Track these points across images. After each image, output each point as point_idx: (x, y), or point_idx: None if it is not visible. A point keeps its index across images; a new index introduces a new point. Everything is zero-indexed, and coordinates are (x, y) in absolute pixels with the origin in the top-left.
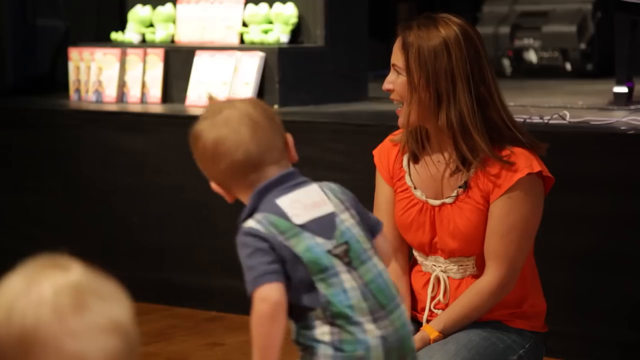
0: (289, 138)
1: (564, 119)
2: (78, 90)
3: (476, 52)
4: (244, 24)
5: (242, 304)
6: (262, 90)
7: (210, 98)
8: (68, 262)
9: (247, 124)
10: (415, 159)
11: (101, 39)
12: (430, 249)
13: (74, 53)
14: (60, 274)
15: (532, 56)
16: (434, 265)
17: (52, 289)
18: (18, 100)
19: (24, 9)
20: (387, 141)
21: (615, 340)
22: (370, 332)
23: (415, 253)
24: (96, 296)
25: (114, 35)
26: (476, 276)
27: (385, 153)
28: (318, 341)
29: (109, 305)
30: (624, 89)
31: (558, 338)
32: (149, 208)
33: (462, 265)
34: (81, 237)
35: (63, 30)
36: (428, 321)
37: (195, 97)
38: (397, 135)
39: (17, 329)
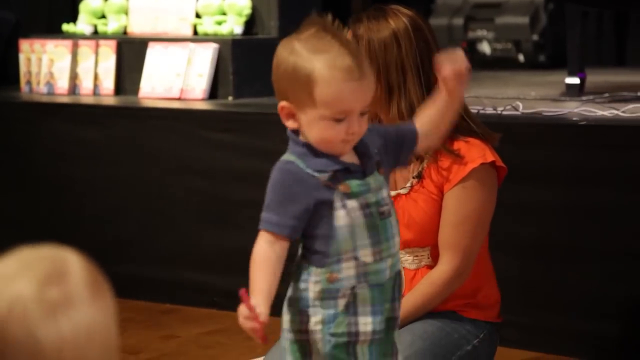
0: None
1: (516, 110)
2: (29, 83)
3: (426, 43)
4: (197, 15)
5: (197, 297)
6: (216, 82)
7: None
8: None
9: None
10: None
11: (52, 31)
12: None
13: (25, 45)
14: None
15: (485, 48)
16: None
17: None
18: None
19: None
20: None
21: (568, 329)
22: None
23: None
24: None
25: (66, 27)
26: (431, 267)
27: None
28: None
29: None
30: (576, 80)
31: (512, 328)
32: (103, 200)
33: (417, 256)
34: (35, 230)
35: (13, 21)
36: None
37: (149, 89)
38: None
39: None
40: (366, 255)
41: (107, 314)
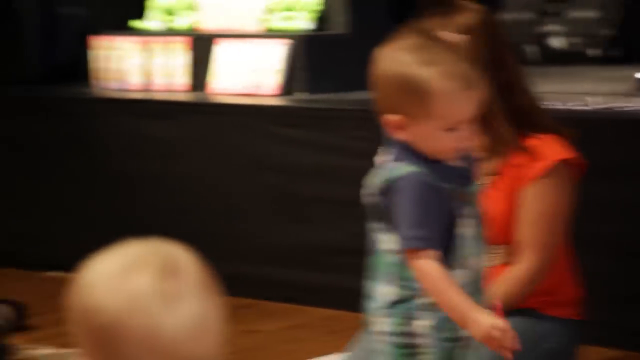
0: None
1: (587, 105)
2: (100, 79)
3: (496, 39)
4: (268, 11)
5: (275, 291)
6: (288, 78)
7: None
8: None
9: None
10: None
11: (122, 28)
12: None
13: (95, 41)
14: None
15: (556, 42)
16: None
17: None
18: (42, 89)
19: None
20: None
21: None
22: None
23: None
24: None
25: (135, 23)
26: (506, 264)
27: None
28: None
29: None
30: None
31: (594, 325)
32: (175, 196)
33: (492, 254)
34: (106, 225)
35: (85, 18)
36: None
37: (220, 85)
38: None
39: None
40: (474, 261)
41: (216, 307)
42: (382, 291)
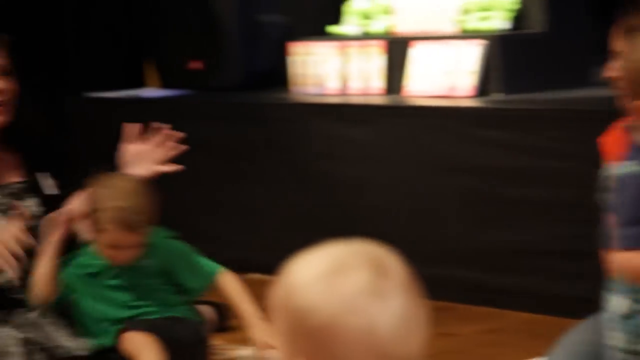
0: None
1: None
2: (299, 84)
3: None
4: (464, 12)
5: (473, 295)
6: (484, 79)
7: None
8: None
9: None
10: None
11: (320, 33)
12: None
13: (294, 47)
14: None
15: None
16: None
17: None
18: (245, 95)
19: (248, 5)
20: (617, 128)
21: None
22: None
23: None
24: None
25: (333, 29)
26: None
27: (615, 141)
28: None
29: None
30: None
31: None
32: (373, 199)
33: None
34: (304, 228)
35: (283, 25)
36: None
37: (416, 87)
38: (630, 123)
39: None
40: None
41: (420, 306)
42: (614, 302)
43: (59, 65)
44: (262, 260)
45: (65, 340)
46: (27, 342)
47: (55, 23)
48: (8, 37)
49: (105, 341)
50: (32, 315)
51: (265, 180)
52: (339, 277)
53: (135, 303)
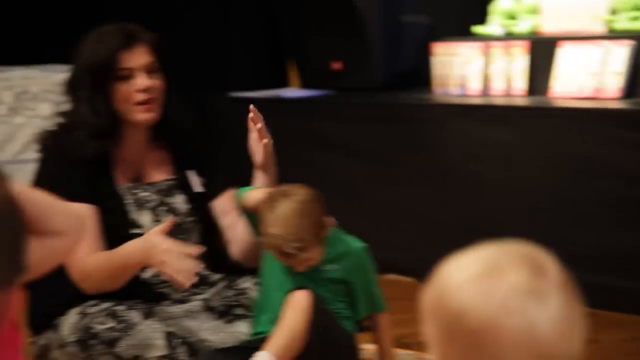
0: None
1: None
2: (442, 85)
3: None
4: (612, 12)
5: (617, 301)
6: (633, 80)
7: None
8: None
9: None
10: None
11: (464, 33)
12: None
13: (437, 48)
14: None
15: None
16: None
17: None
18: (386, 95)
19: (391, 6)
20: None
21: None
22: None
23: None
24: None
25: (477, 29)
26: None
27: None
28: None
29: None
30: None
31: None
32: (514, 201)
33: None
34: (449, 229)
35: (426, 25)
36: None
37: (560, 88)
38: None
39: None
40: None
41: (578, 307)
42: None
43: (205, 64)
44: (401, 261)
45: (209, 334)
46: (170, 336)
47: (202, 23)
48: (156, 36)
49: (263, 328)
50: (176, 309)
51: (405, 180)
52: (496, 277)
53: None
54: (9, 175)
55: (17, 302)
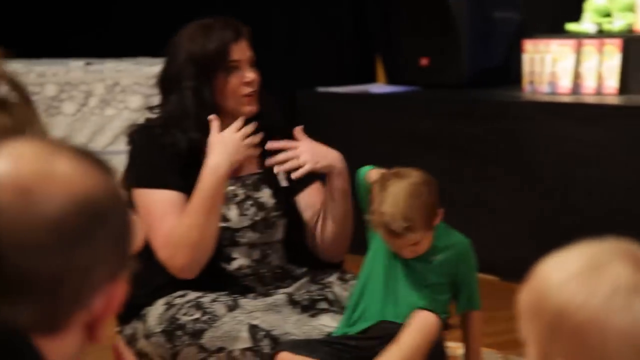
0: None
1: None
2: (532, 82)
3: None
4: None
5: None
6: None
7: None
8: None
9: None
10: None
11: (556, 30)
12: None
13: (528, 45)
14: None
15: None
16: None
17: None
18: (474, 92)
19: (483, 2)
20: None
21: None
22: None
23: None
24: None
25: (570, 26)
26: None
27: None
28: None
29: None
30: None
31: None
32: (604, 202)
33: None
34: (536, 228)
35: (518, 21)
36: None
37: None
38: None
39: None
40: None
41: None
42: None
43: (293, 59)
44: (489, 259)
45: (293, 327)
46: (254, 328)
47: (291, 18)
48: (250, 29)
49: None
50: (260, 303)
51: (493, 178)
52: (598, 273)
53: (406, 292)
54: (115, 168)
55: (122, 295)
